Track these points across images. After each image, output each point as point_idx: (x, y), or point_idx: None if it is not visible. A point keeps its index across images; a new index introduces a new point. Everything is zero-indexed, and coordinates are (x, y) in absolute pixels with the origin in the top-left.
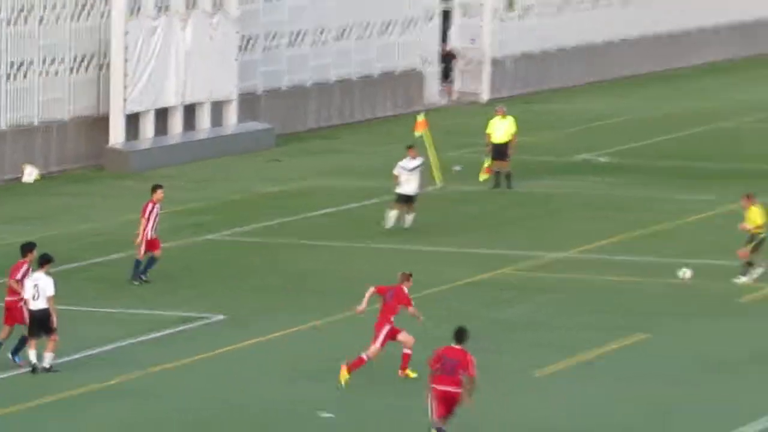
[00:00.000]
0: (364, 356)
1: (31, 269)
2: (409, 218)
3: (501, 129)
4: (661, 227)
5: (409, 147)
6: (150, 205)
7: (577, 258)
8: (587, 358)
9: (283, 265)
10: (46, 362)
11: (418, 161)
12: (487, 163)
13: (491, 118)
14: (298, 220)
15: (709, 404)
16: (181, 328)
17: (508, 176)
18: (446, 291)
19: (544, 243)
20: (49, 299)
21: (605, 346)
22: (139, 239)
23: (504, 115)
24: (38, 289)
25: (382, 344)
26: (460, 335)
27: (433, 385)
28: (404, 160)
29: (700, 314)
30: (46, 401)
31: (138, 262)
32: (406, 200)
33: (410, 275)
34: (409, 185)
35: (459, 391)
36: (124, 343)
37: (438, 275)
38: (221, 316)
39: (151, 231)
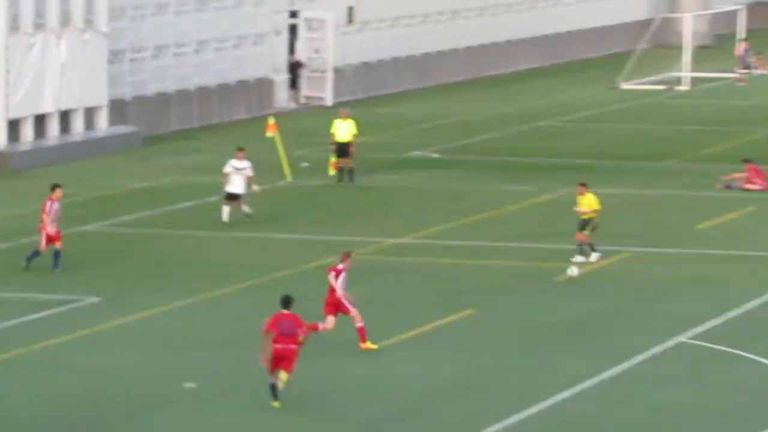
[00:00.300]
0: (359, 325)
1: None
2: (245, 208)
3: (344, 129)
4: (489, 215)
5: (239, 149)
6: (49, 203)
7: (414, 243)
8: (423, 331)
9: (153, 253)
10: None
11: (246, 163)
12: (332, 159)
13: (335, 120)
14: (165, 212)
15: (526, 372)
16: (58, 309)
17: (350, 172)
18: (297, 273)
19: (384, 230)
20: None
21: (439, 321)
22: (44, 232)
23: (346, 117)
24: None
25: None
26: (288, 302)
27: (276, 346)
28: (234, 160)
29: (522, 292)
30: None
31: (36, 252)
32: (233, 198)
33: (350, 253)
34: (234, 185)
35: (297, 347)
36: (6, 324)
37: (289, 259)
38: (96, 299)
39: (51, 225)
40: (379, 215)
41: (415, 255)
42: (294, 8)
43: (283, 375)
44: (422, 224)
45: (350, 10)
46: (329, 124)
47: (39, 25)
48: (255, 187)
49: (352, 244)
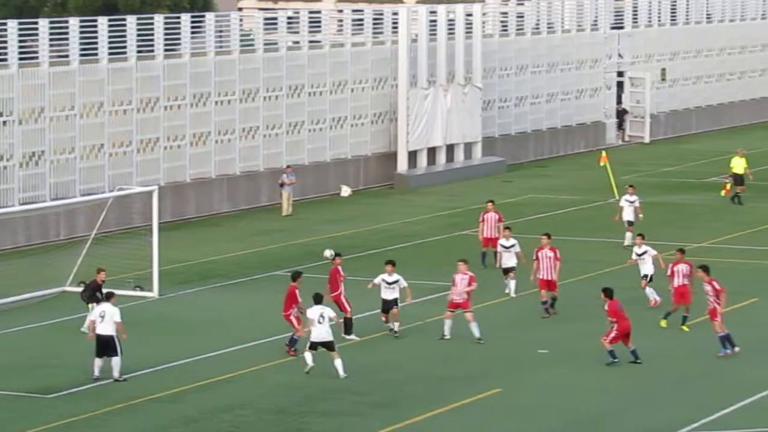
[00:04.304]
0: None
1: None
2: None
3: (740, 164)
4: None
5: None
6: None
7: (710, 247)
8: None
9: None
10: None
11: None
12: (728, 186)
13: (733, 157)
14: (523, 221)
15: None
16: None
17: (738, 197)
18: (617, 269)
19: (688, 237)
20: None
21: (729, 307)
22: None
23: (742, 156)
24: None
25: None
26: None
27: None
28: (627, 195)
29: None
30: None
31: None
32: (631, 224)
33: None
34: (627, 215)
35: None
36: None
37: (613, 258)
38: None
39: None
40: (683, 225)
41: (711, 256)
42: (621, 69)
43: None
44: (717, 233)
45: (663, 71)
46: (646, 157)
47: (431, 82)
48: (641, 216)
49: (661, 248)
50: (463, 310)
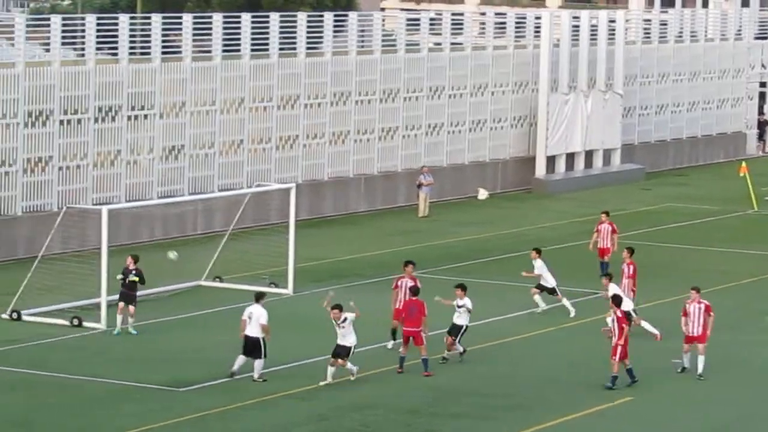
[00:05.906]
0: None
1: None
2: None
3: None
4: None
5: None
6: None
7: None
8: None
9: (649, 259)
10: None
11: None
12: None
13: None
14: (660, 229)
15: None
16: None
17: None
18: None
19: None
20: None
21: None
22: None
23: None
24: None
25: None
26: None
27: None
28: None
29: None
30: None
31: None
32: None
33: None
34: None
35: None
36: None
37: (750, 269)
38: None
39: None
40: None
41: None
42: (764, 80)
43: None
44: None
45: None
46: None
47: (572, 87)
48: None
49: None
50: (698, 343)
